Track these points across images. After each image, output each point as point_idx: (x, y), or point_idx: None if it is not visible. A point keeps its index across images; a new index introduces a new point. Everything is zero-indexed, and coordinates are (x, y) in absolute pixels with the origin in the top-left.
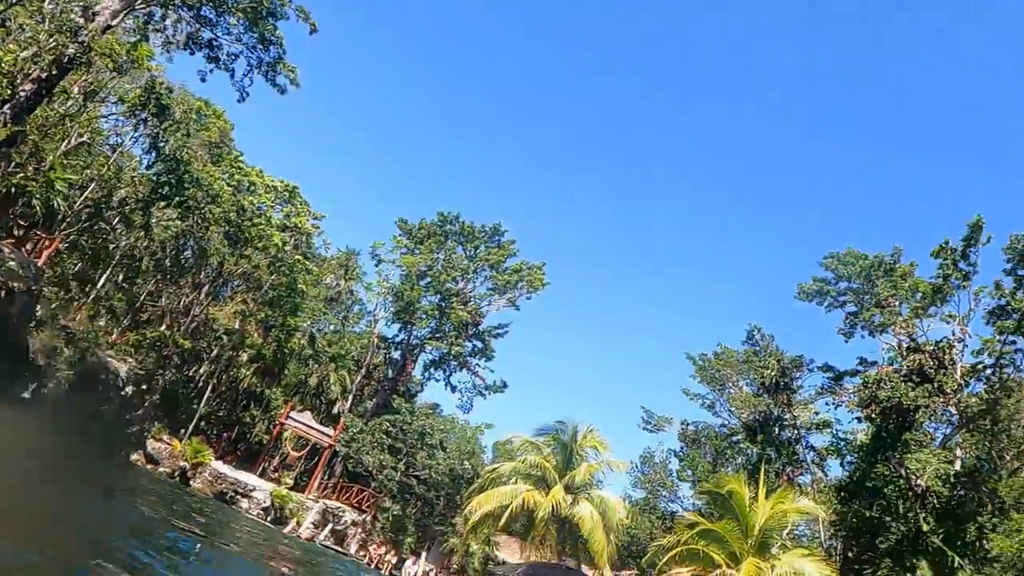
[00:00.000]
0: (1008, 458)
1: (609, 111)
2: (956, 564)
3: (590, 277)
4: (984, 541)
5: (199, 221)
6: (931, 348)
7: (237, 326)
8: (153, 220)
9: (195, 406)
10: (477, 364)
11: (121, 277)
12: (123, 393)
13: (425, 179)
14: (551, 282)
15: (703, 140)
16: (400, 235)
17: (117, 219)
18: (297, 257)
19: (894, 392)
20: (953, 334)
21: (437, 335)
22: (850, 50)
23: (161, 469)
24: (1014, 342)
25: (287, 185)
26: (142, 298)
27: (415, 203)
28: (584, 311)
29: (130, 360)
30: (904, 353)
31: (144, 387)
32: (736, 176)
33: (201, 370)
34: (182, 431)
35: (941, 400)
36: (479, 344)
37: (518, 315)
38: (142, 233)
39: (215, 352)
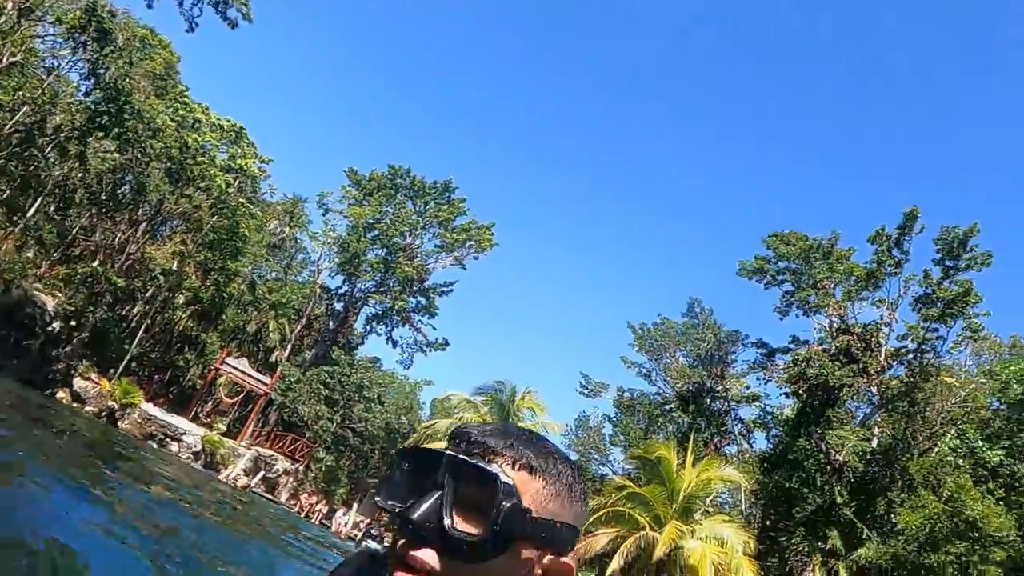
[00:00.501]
0: (921, 439)
1: (564, 76)
2: (864, 535)
3: (538, 241)
4: (892, 515)
5: (139, 155)
6: (860, 331)
7: (175, 267)
8: (89, 151)
9: (127, 346)
10: (420, 320)
11: (53, 208)
12: (50, 328)
13: (377, 131)
14: (500, 244)
15: (655, 113)
16: (349, 185)
17: (51, 147)
18: (241, 200)
19: (821, 370)
20: (881, 318)
21: (381, 289)
22: (809, 34)
23: (88, 408)
24: (936, 329)
25: (234, 125)
26: (74, 231)
27: (366, 154)
28: (530, 275)
29: (59, 295)
30: (834, 334)
31: (73, 323)
32: (688, 150)
33: (135, 310)
34: (112, 371)
35: (864, 381)
36: (423, 301)
37: (464, 274)
38: (77, 163)
39: (150, 292)
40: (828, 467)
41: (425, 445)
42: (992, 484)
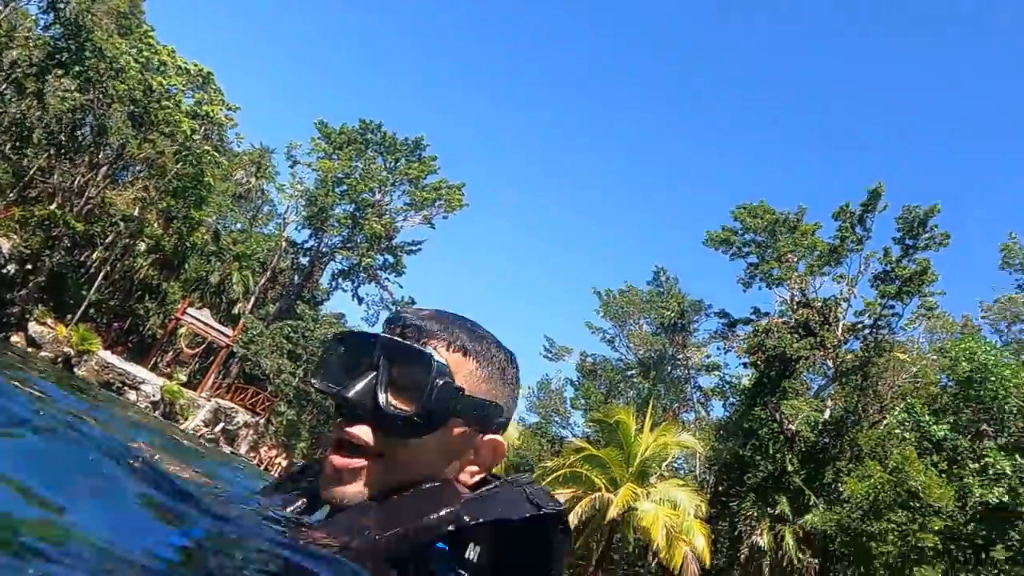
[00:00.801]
0: (871, 412)
1: (538, 41)
2: (812, 502)
3: (506, 205)
4: (839, 484)
5: (100, 96)
6: (819, 305)
7: (136, 214)
8: (48, 88)
9: (85, 292)
10: (387, 278)
11: (8, 147)
12: (4, 271)
13: (349, 84)
14: (469, 205)
15: (622, 79)
16: (319, 138)
17: (6, 83)
18: (207, 148)
19: (780, 342)
20: (841, 293)
21: (348, 245)
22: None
23: (44, 354)
24: (893, 306)
25: (201, 70)
26: (31, 172)
27: (336, 107)
28: (498, 237)
29: (14, 237)
30: (794, 307)
31: (28, 267)
32: (660, 117)
33: (94, 256)
34: (69, 317)
35: (821, 354)
36: (390, 258)
37: (432, 234)
38: (35, 102)
39: (110, 238)
40: (781, 436)
41: None
42: (936, 457)
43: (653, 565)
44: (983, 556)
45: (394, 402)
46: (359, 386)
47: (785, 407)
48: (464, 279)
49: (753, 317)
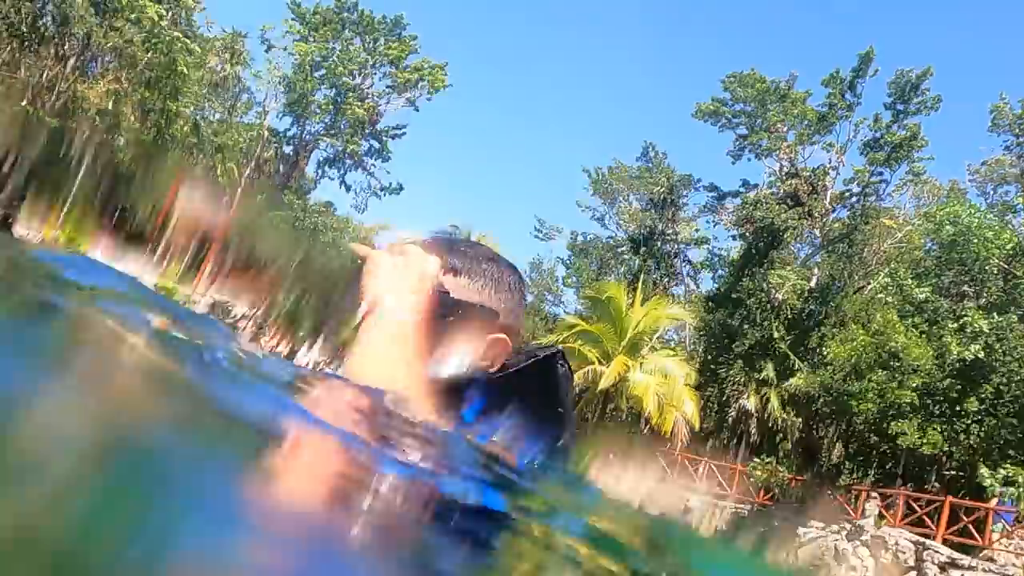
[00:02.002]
0: (856, 278)
1: None
2: (796, 366)
3: (492, 83)
4: (823, 348)
5: None
6: (808, 174)
7: (110, 107)
8: None
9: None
10: (373, 164)
11: None
12: None
13: None
14: (453, 84)
15: None
16: (292, 19)
17: None
18: (176, 34)
19: (768, 213)
20: (829, 162)
21: (331, 131)
22: None
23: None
24: (881, 173)
25: None
26: None
27: None
28: (485, 118)
29: None
30: (783, 177)
31: (5, 169)
32: None
33: (72, 152)
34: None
35: (808, 223)
36: (376, 144)
37: (417, 116)
38: None
39: (87, 134)
40: (768, 305)
41: None
42: (916, 319)
43: (645, 430)
44: (957, 408)
45: None
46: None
47: (773, 277)
48: (452, 162)
49: (742, 189)
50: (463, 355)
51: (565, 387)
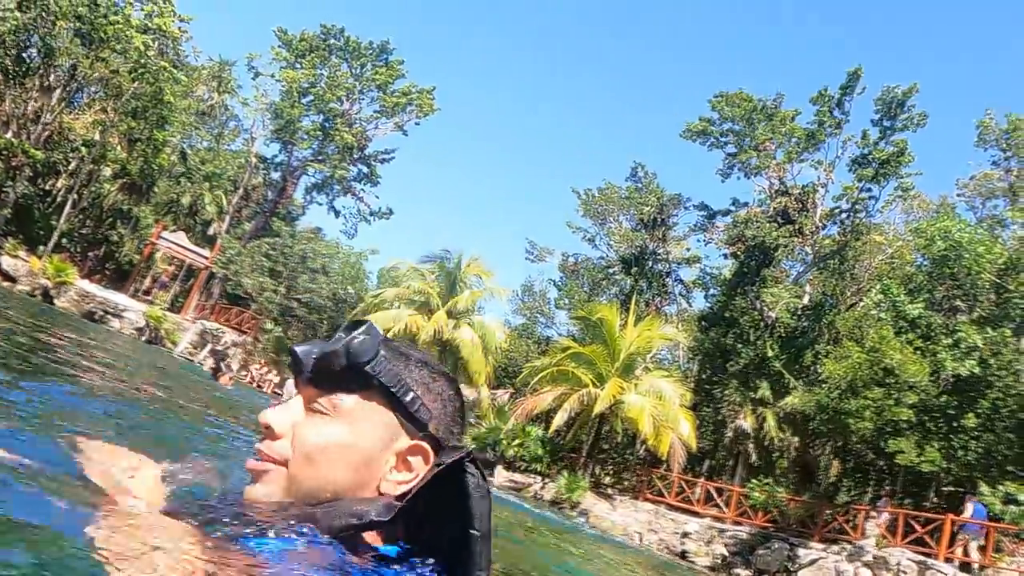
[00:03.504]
0: (848, 294)
1: None
2: (792, 385)
3: (481, 106)
4: (818, 366)
5: (43, 14)
6: (797, 192)
7: (97, 137)
8: None
9: (54, 223)
10: (362, 189)
11: None
12: None
13: None
14: (441, 108)
15: None
16: (279, 47)
17: None
18: (163, 64)
19: (759, 231)
20: (819, 179)
21: (320, 157)
22: None
23: (20, 287)
24: (870, 189)
25: None
26: None
27: (295, 12)
28: (474, 141)
29: None
30: (773, 195)
31: None
32: (634, 8)
33: (58, 184)
34: (41, 248)
35: (799, 240)
36: (364, 169)
37: (406, 141)
38: None
39: (73, 165)
40: (761, 323)
41: (372, 314)
42: (910, 335)
43: (641, 452)
44: (954, 425)
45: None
46: (300, 347)
47: (765, 295)
48: (442, 186)
49: (732, 208)
50: (377, 455)
51: (477, 501)
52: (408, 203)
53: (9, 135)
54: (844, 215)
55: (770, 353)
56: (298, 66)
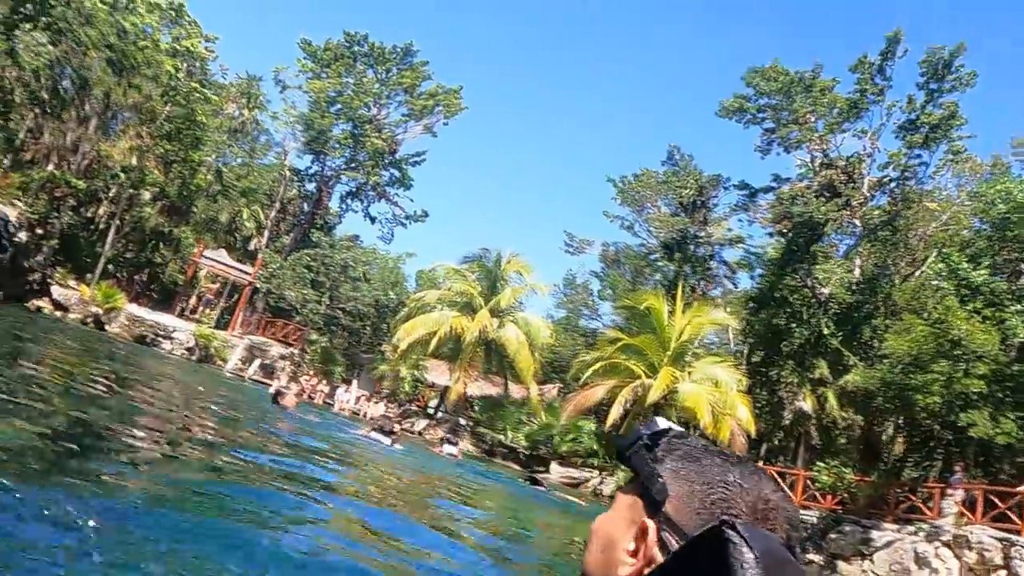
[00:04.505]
0: (903, 265)
1: None
2: (851, 362)
3: (507, 101)
4: (876, 341)
5: (74, 46)
6: (843, 164)
7: (134, 163)
8: (20, 45)
9: (99, 249)
10: (395, 194)
11: None
12: (16, 239)
13: None
14: (469, 107)
15: None
16: (304, 58)
17: None
18: (193, 85)
19: (806, 207)
20: (864, 149)
21: (352, 165)
22: None
23: (72, 316)
24: (919, 155)
25: (171, 2)
26: (21, 135)
27: (317, 22)
28: (503, 137)
29: (19, 204)
30: (817, 169)
31: (39, 232)
32: None
33: (100, 211)
34: (89, 276)
35: (848, 213)
36: (396, 173)
37: (436, 142)
38: (9, 61)
39: (113, 191)
40: (814, 301)
41: (416, 317)
42: (976, 303)
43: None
44: None
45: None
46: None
47: (817, 272)
48: (475, 185)
49: (774, 184)
50: (617, 538)
51: None
52: (442, 204)
53: (51, 167)
54: (893, 184)
55: (826, 331)
56: (324, 75)
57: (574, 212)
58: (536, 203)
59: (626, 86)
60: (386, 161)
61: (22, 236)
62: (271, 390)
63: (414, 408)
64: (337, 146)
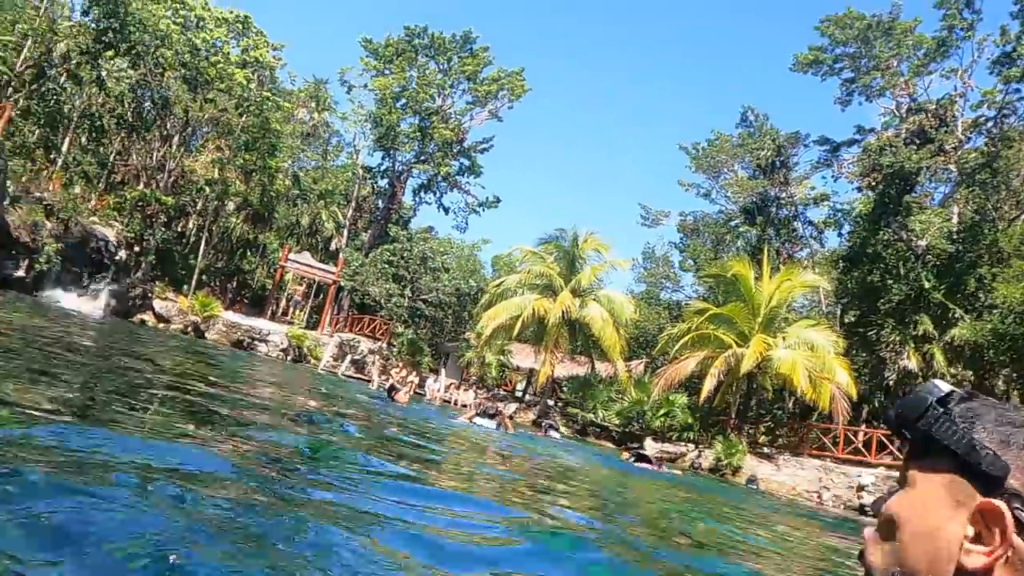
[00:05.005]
0: (1006, 208)
1: None
2: (956, 316)
3: (572, 76)
4: (982, 292)
5: (152, 68)
6: (932, 107)
7: (216, 175)
8: (103, 73)
9: (192, 261)
10: (467, 182)
11: (84, 139)
12: (117, 258)
13: None
14: (532, 87)
15: None
16: (367, 56)
17: (64, 77)
18: (265, 94)
19: (896, 157)
20: (955, 89)
21: (422, 158)
22: None
23: (173, 326)
24: (1018, 90)
25: (237, 15)
26: (111, 158)
27: (376, 20)
28: (569, 114)
29: (116, 224)
30: (904, 115)
31: (137, 249)
32: None
33: (190, 224)
34: (184, 287)
35: (942, 159)
36: (466, 162)
37: (502, 126)
38: (96, 89)
39: (200, 205)
40: (910, 255)
41: (498, 303)
42: None
43: (790, 405)
44: None
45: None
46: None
47: (912, 223)
48: (545, 166)
49: (858, 137)
50: (942, 526)
51: None
52: (513, 188)
53: (141, 187)
54: (989, 123)
55: (926, 284)
56: (388, 72)
57: (647, 184)
58: (607, 178)
59: (693, 51)
60: (455, 151)
61: (122, 255)
62: (385, 386)
63: (502, 392)
64: (406, 140)
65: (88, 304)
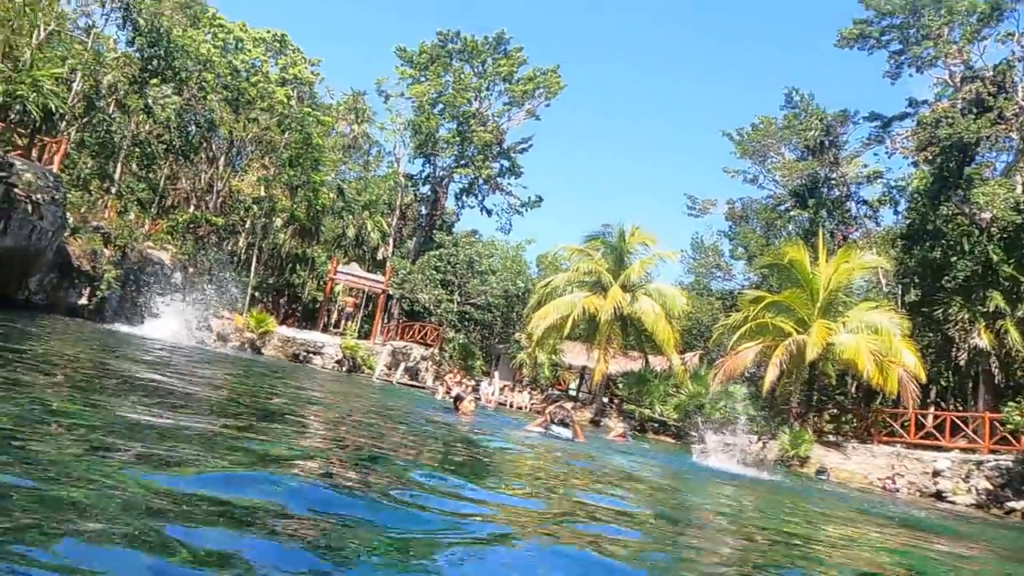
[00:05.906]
0: None
1: None
2: None
3: (608, 71)
4: None
5: (196, 92)
6: (989, 74)
7: (263, 193)
8: (150, 100)
9: (244, 279)
10: (508, 183)
11: (135, 166)
12: (172, 280)
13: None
14: (568, 84)
15: None
16: (402, 65)
17: (112, 107)
18: (305, 109)
19: (953, 128)
20: (1012, 54)
21: (462, 162)
22: None
23: (231, 344)
24: None
25: (274, 34)
26: (162, 183)
27: (409, 28)
28: (608, 108)
29: (169, 247)
30: (959, 84)
31: (191, 270)
32: None
33: (240, 243)
34: (239, 305)
35: (1003, 127)
36: (506, 163)
37: (540, 125)
38: (143, 116)
39: (248, 223)
40: (974, 229)
41: (547, 303)
42: None
43: (853, 390)
44: None
45: None
46: None
47: (975, 196)
48: (586, 162)
49: (910, 110)
50: None
51: None
52: (555, 186)
53: (191, 209)
54: None
55: (995, 258)
56: (423, 79)
57: (691, 174)
58: (649, 171)
59: (733, 36)
60: (494, 152)
61: (177, 277)
62: (450, 396)
63: (556, 392)
64: (445, 146)
65: (151, 328)
